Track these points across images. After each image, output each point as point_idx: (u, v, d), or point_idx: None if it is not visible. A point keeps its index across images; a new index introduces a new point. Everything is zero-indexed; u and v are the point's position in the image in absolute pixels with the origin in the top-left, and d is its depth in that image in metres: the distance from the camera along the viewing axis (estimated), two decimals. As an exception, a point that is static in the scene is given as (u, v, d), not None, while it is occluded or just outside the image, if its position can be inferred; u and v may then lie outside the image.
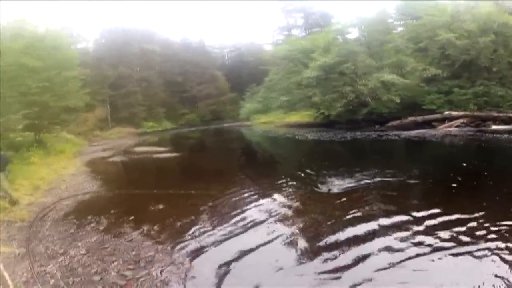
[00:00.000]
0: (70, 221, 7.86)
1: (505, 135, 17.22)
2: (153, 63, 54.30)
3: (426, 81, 25.76)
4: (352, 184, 9.15)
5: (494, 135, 17.66)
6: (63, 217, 8.20)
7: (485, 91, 23.39)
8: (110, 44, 46.68)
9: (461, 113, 22.07)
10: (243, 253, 5.58)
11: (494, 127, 20.16)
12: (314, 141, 22.30)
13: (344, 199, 8.01)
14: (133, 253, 5.84)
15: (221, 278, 4.86)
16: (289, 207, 7.81)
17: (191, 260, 5.44)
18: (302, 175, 11.08)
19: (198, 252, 5.75)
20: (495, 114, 21.54)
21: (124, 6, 67.88)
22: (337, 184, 9.23)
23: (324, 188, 9.00)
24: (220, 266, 5.17)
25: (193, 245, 6.08)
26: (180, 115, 54.83)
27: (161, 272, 5.12)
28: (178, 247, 6.01)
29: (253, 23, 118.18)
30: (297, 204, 8.08)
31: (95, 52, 46.18)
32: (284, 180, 10.52)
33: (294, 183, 10.18)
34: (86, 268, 5.34)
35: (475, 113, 21.95)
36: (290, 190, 9.49)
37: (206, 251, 5.82)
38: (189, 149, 25.88)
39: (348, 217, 6.79)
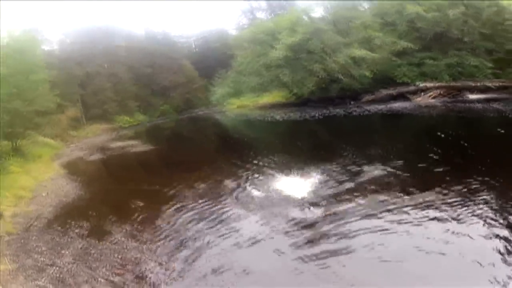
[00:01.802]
0: (54, 229, 7.87)
1: (480, 104, 16.86)
2: (120, 58, 53.12)
3: (397, 55, 25.01)
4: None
5: (469, 105, 17.28)
6: (47, 226, 8.21)
7: (458, 61, 22.84)
8: (75, 44, 46.11)
9: (436, 84, 21.49)
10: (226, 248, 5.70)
11: (471, 96, 19.74)
12: (284, 122, 21.50)
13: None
14: (119, 256, 5.90)
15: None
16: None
17: (174, 258, 5.55)
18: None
19: (181, 249, 5.84)
20: (471, 84, 21.03)
21: (85, 3, 65.45)
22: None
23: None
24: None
25: (176, 242, 6.15)
26: (153, 107, 53.92)
27: (148, 273, 5.21)
28: (161, 246, 6.09)
29: (217, 9, 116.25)
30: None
31: (61, 53, 45.00)
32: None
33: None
34: (75, 277, 5.48)
35: (451, 84, 21.42)
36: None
37: (189, 246, 5.92)
38: (165, 141, 25.69)
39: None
